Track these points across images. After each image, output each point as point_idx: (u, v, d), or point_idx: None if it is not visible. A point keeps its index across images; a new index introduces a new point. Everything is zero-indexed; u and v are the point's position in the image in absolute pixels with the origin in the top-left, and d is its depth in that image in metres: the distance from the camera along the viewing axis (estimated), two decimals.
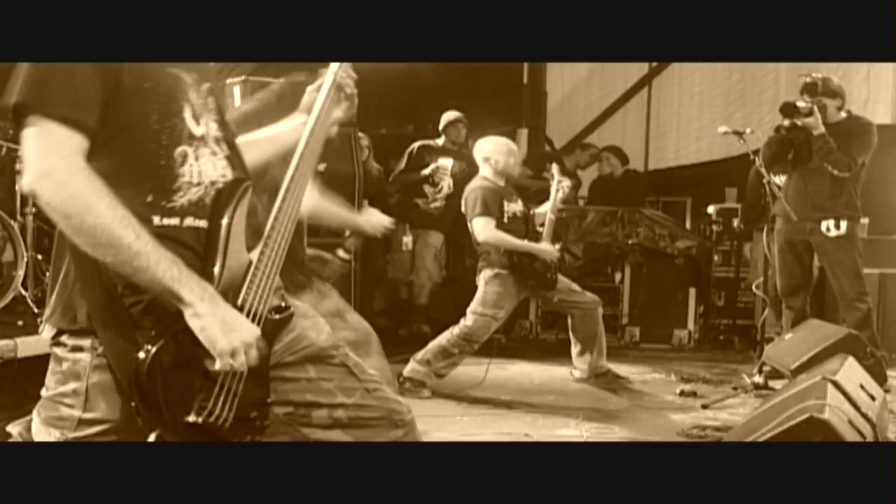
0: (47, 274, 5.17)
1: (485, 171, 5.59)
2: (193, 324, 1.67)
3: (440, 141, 7.38)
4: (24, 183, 1.61)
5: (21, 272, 4.91)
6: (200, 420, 1.71)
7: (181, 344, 1.69)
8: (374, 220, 4.18)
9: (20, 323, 4.67)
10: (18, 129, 1.64)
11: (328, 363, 2.02)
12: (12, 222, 4.99)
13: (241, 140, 2.14)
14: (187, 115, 1.80)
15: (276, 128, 2.22)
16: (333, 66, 2.14)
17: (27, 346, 4.32)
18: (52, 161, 1.60)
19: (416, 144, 7.34)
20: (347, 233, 6.11)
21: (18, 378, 4.40)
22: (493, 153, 5.59)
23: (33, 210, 5.23)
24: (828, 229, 5.53)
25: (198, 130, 1.82)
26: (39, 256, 5.23)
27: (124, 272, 1.64)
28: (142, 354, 1.65)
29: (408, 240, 7.25)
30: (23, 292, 4.95)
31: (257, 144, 2.18)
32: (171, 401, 1.69)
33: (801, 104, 5.38)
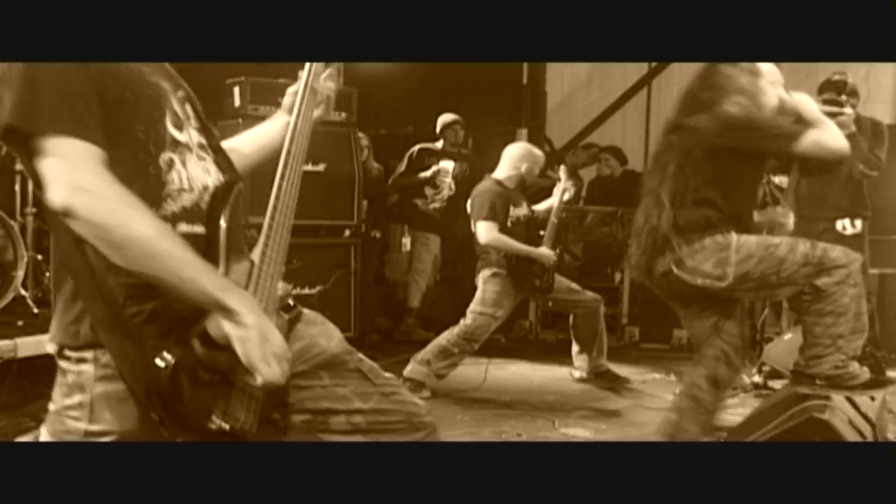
0: (47, 274, 5.18)
1: (500, 172, 5.60)
2: (236, 333, 1.64)
3: (439, 144, 7.38)
4: (56, 199, 1.55)
5: (21, 272, 4.91)
6: (227, 427, 1.70)
7: (200, 350, 1.68)
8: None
9: (20, 323, 4.68)
10: (20, 149, 1.60)
11: (342, 369, 2.01)
12: (12, 223, 4.99)
13: (230, 142, 2.14)
14: (168, 122, 1.78)
15: (260, 129, 2.21)
16: (308, 71, 2.11)
17: (27, 346, 4.33)
18: (84, 175, 1.57)
19: (416, 147, 7.34)
20: (347, 233, 6.14)
21: (18, 378, 4.41)
22: (519, 158, 5.62)
23: (33, 210, 5.23)
24: (843, 228, 5.54)
25: (180, 137, 1.80)
26: (39, 257, 5.23)
27: (167, 284, 1.61)
28: (161, 364, 1.62)
29: (406, 241, 7.25)
30: (22, 292, 4.95)
31: (244, 147, 2.17)
32: (195, 409, 1.67)
33: (847, 110, 5.36)
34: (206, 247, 1.77)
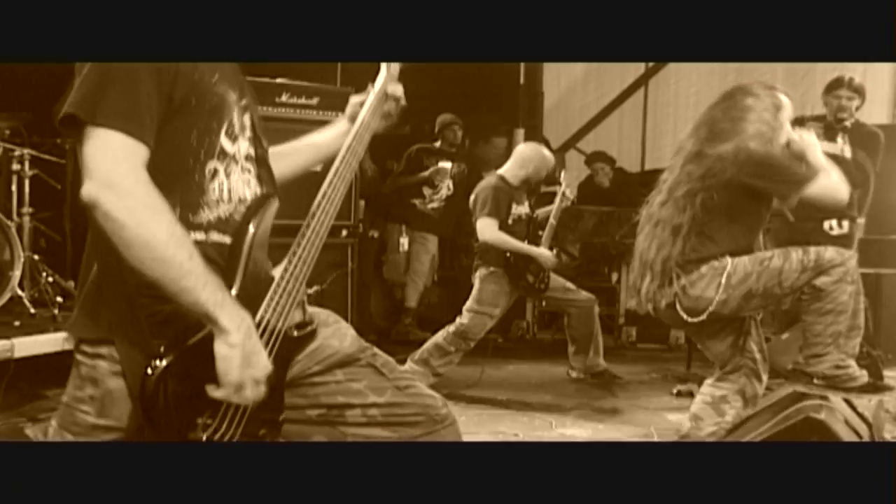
0: (44, 274, 5.18)
1: (506, 169, 5.62)
2: (221, 350, 1.65)
3: (437, 144, 7.37)
4: (85, 190, 1.58)
5: (17, 273, 4.91)
6: (205, 437, 1.70)
7: (191, 360, 1.68)
8: None
9: (17, 323, 4.68)
10: (76, 136, 1.62)
11: (355, 365, 2.02)
12: (9, 223, 4.99)
13: (285, 147, 2.15)
14: (223, 132, 1.80)
15: (318, 135, 2.23)
16: (380, 81, 2.15)
17: (23, 346, 4.32)
18: (119, 172, 1.59)
19: (415, 147, 7.34)
20: (344, 233, 6.13)
21: (14, 379, 4.40)
22: (528, 159, 5.62)
23: (30, 210, 5.23)
24: (830, 228, 5.56)
25: (231, 148, 1.83)
26: (36, 257, 5.23)
27: (168, 290, 1.62)
28: (148, 370, 1.63)
29: (404, 241, 7.22)
30: (19, 293, 4.95)
31: (300, 151, 2.20)
32: (176, 417, 1.67)
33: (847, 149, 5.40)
34: (228, 257, 1.78)
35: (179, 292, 1.62)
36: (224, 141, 1.81)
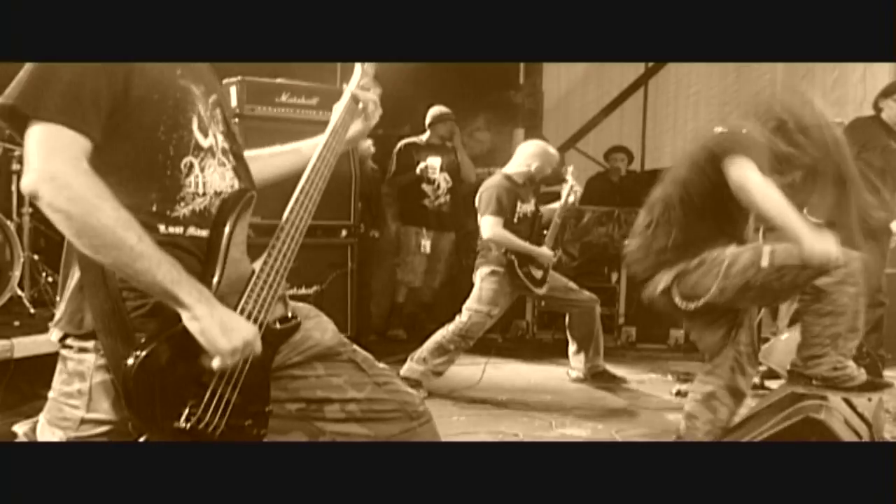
0: (44, 274, 5.17)
1: (511, 168, 5.61)
2: (192, 326, 1.66)
3: (424, 137, 7.28)
4: (25, 183, 1.60)
5: (17, 272, 4.90)
6: (188, 427, 1.71)
7: (172, 349, 1.68)
8: None
9: (16, 323, 4.67)
10: (19, 129, 1.63)
11: (336, 360, 2.04)
12: (9, 223, 4.98)
13: (266, 151, 2.17)
14: (195, 126, 1.81)
15: (302, 143, 2.24)
16: (353, 83, 2.18)
17: (23, 346, 4.32)
18: (56, 163, 1.60)
19: (402, 143, 7.25)
20: (344, 233, 6.12)
21: (14, 378, 4.40)
22: (532, 156, 5.61)
23: (30, 210, 5.22)
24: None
25: (205, 142, 1.83)
26: (36, 257, 5.23)
27: (125, 274, 1.64)
28: (130, 360, 1.65)
29: (426, 242, 7.17)
30: (19, 293, 4.95)
31: (282, 156, 2.21)
32: (160, 406, 1.68)
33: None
34: (207, 251, 1.79)
35: (135, 275, 1.63)
36: (198, 135, 1.81)
